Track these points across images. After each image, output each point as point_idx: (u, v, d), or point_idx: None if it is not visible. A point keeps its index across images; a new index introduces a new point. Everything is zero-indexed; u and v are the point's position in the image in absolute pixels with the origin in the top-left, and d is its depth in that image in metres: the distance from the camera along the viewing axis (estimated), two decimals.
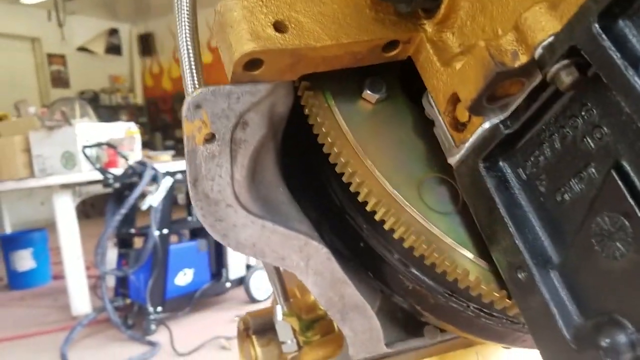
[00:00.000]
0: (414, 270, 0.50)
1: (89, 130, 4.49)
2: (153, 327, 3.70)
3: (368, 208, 0.46)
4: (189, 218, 4.30)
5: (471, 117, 0.42)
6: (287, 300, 0.68)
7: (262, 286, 4.37)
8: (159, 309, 3.72)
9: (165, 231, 3.79)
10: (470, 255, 0.45)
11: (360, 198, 0.46)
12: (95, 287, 4.10)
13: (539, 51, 0.35)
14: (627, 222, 0.33)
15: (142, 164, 3.97)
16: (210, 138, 0.45)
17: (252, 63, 0.43)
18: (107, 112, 10.19)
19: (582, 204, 0.37)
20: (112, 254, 3.94)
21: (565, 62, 0.33)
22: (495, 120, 0.41)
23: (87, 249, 4.20)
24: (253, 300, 4.29)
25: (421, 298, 0.53)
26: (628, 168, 0.33)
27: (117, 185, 3.90)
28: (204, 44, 11.74)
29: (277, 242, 0.49)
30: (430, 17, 0.46)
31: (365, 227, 0.51)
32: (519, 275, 0.41)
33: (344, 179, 0.47)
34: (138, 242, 4.05)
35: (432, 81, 0.46)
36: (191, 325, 3.86)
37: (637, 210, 0.32)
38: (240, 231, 0.47)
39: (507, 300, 0.44)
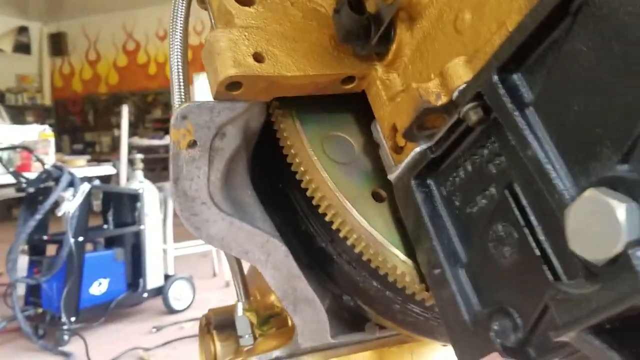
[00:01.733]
0: (355, 267, 0.59)
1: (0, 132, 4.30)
2: (66, 337, 3.56)
3: (320, 210, 0.55)
4: (105, 226, 4.19)
5: (407, 143, 0.53)
6: (247, 298, 0.75)
7: (181, 296, 4.32)
8: (73, 318, 3.59)
9: (80, 239, 3.68)
10: (399, 253, 0.55)
11: (314, 202, 0.55)
12: (5, 296, 3.88)
13: (455, 94, 0.45)
14: (513, 230, 0.43)
15: (58, 168, 3.83)
16: (193, 144, 0.53)
17: (233, 85, 0.52)
18: (13, 113, 9.64)
19: (484, 216, 0.46)
20: (22, 261, 3.76)
21: (473, 104, 0.43)
22: (424, 146, 0.50)
23: None
24: (172, 310, 4.22)
25: (362, 293, 0.62)
26: (517, 188, 0.43)
27: (31, 189, 3.74)
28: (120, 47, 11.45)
29: (243, 237, 0.57)
30: (381, 60, 0.56)
31: (318, 228, 0.61)
32: (435, 272, 0.50)
33: (302, 185, 0.56)
34: (50, 249, 3.89)
35: (379, 112, 0.56)
36: (107, 336, 3.75)
37: (520, 220, 0.42)
38: (212, 226, 0.55)
39: (426, 292, 0.54)
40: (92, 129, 11.90)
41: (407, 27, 0.53)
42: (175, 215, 4.96)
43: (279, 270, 0.59)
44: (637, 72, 0.32)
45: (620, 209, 0.30)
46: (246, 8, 0.56)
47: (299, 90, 0.55)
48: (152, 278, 4.19)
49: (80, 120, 11.92)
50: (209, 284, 4.89)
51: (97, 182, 3.89)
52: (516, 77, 0.41)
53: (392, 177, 0.55)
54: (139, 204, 4.15)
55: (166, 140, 8.79)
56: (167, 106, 11.36)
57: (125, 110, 4.77)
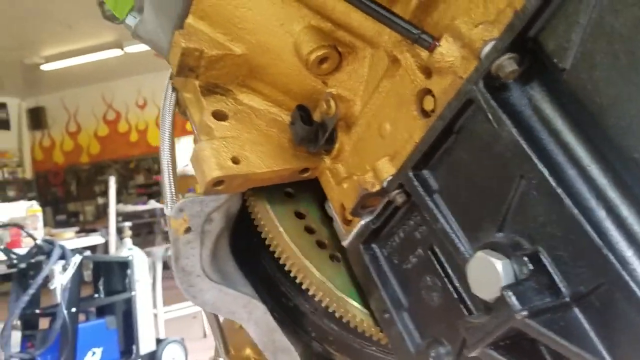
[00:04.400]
0: (323, 318, 0.75)
1: None
2: None
3: (292, 274, 0.71)
4: (96, 295, 4.24)
5: (353, 218, 0.69)
6: (227, 353, 0.89)
7: None
8: None
9: (74, 310, 3.73)
10: (356, 304, 0.71)
11: (286, 268, 0.71)
12: None
13: (384, 184, 0.61)
14: (438, 281, 0.59)
15: (49, 242, 3.91)
16: (188, 230, 0.69)
17: (218, 183, 0.68)
18: None
19: (416, 270, 0.62)
20: (15, 336, 3.78)
21: (398, 191, 0.60)
22: (367, 219, 0.67)
23: None
24: None
25: (328, 339, 0.77)
26: (436, 249, 0.59)
27: (22, 265, 3.81)
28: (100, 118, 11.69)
29: (229, 301, 0.72)
30: (328, 154, 0.73)
31: (289, 289, 0.76)
32: (385, 316, 0.65)
33: (275, 254, 0.72)
34: (43, 322, 3.93)
35: (330, 193, 0.73)
36: None
37: (442, 274, 0.58)
38: (205, 293, 0.71)
39: (380, 333, 0.70)
40: (75, 199, 11.96)
41: (345, 131, 0.70)
42: (164, 278, 5.00)
43: (259, 326, 0.74)
44: (497, 174, 0.49)
45: (498, 264, 0.47)
46: (222, 122, 0.73)
47: (267, 182, 0.72)
48: (145, 343, 4.21)
49: (62, 191, 12.00)
50: (200, 345, 4.92)
51: (87, 253, 3.97)
52: (425, 172, 0.58)
53: (344, 243, 0.71)
54: (129, 271, 4.22)
55: (150, 205, 8.91)
56: (150, 171, 11.53)
57: (112, 181, 4.92)
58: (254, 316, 0.73)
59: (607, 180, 0.43)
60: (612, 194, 0.43)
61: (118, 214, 5.96)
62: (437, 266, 0.58)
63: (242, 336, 0.88)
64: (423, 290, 0.61)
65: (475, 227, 0.53)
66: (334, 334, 0.75)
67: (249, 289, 0.75)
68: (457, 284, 0.57)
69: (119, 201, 8.55)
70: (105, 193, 4.86)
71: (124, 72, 10.81)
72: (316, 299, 0.70)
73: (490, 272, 0.47)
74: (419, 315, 0.62)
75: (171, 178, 0.72)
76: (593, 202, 0.43)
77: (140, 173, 11.67)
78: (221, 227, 0.72)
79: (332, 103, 0.68)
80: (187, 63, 0.69)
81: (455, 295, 0.56)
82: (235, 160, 0.69)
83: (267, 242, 0.73)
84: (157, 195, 10.48)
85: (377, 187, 0.62)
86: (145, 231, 9.11)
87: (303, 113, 0.70)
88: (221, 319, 0.88)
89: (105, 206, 5.63)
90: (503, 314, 0.44)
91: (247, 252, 0.81)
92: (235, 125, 0.73)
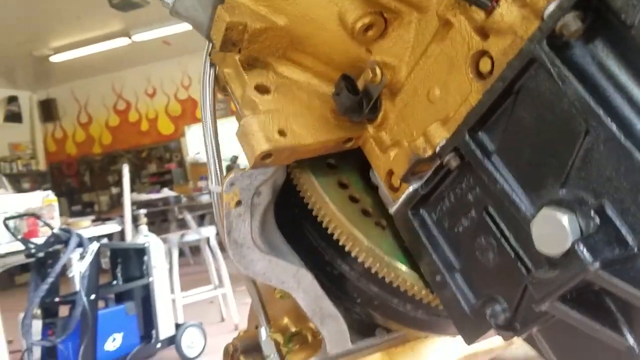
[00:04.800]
0: (371, 284, 0.76)
1: (4, 201, 4.43)
2: None
3: (340, 243, 0.71)
4: (114, 282, 4.29)
5: (401, 184, 0.70)
6: (269, 322, 0.91)
7: (193, 344, 4.40)
8: None
9: (93, 297, 3.77)
10: (405, 268, 0.72)
11: (335, 236, 0.72)
12: None
13: (437, 148, 0.61)
14: (493, 241, 0.59)
15: (66, 231, 3.95)
16: (239, 203, 0.69)
17: (266, 156, 0.69)
18: (9, 181, 9.81)
19: (469, 233, 0.62)
20: (36, 325, 3.84)
21: (452, 154, 0.60)
22: (416, 185, 0.67)
23: (7, 323, 4.07)
24: (185, 358, 4.30)
25: (375, 304, 0.78)
26: (492, 211, 0.59)
27: (40, 254, 3.85)
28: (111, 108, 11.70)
29: (279, 271, 0.73)
30: (372, 123, 0.73)
31: (335, 257, 0.77)
32: (437, 278, 0.66)
33: (323, 224, 0.72)
34: (63, 310, 3.99)
35: (375, 162, 0.73)
36: None
37: (498, 235, 0.58)
38: (257, 264, 0.72)
39: (430, 296, 0.70)
40: (89, 190, 12.05)
41: (389, 99, 0.70)
42: (181, 265, 5.05)
43: (307, 294, 0.75)
44: (561, 131, 0.49)
45: (564, 219, 0.47)
46: (265, 96, 0.73)
47: (313, 153, 0.73)
48: (164, 328, 4.27)
49: (76, 182, 12.10)
50: (218, 328, 4.98)
51: (104, 241, 4.01)
52: (481, 135, 0.58)
53: (392, 210, 0.72)
54: (146, 258, 4.27)
55: (164, 193, 8.96)
56: (162, 160, 11.59)
57: (125, 169, 4.95)
58: (302, 285, 0.74)
59: None
60: None
61: (132, 203, 6.01)
62: (493, 227, 0.59)
63: (280, 306, 0.90)
64: (477, 251, 0.61)
65: (537, 185, 0.53)
66: (380, 299, 0.76)
67: (296, 259, 0.76)
68: (514, 243, 0.57)
69: (132, 190, 8.59)
70: (118, 183, 4.90)
71: (133, 61, 10.83)
72: (366, 265, 0.71)
73: (556, 228, 0.47)
74: (473, 276, 0.63)
75: (216, 156, 0.73)
76: None
77: (152, 162, 11.73)
78: (269, 200, 0.73)
79: (378, 71, 0.68)
80: (231, 37, 0.69)
81: (513, 255, 0.57)
82: (282, 133, 0.69)
83: (313, 213, 0.74)
84: (170, 183, 10.55)
85: (429, 152, 0.62)
86: (160, 219, 9.18)
87: (348, 83, 0.70)
88: None
89: (119, 196, 5.68)
90: (575, 267, 0.45)
91: (290, 224, 0.81)
92: (278, 98, 0.73)
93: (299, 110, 0.73)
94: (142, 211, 4.64)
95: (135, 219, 4.72)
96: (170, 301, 4.50)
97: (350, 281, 0.77)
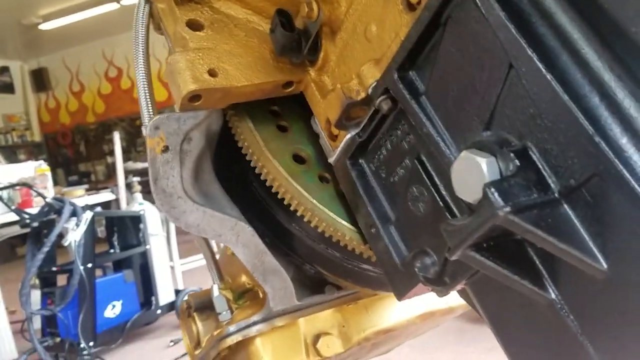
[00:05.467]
0: (313, 239, 0.71)
1: None
2: None
3: (279, 196, 0.67)
4: (111, 250, 4.30)
5: (340, 132, 0.65)
6: (221, 280, 0.87)
7: None
8: (91, 343, 3.70)
9: (89, 265, 3.79)
10: (345, 223, 0.67)
11: (273, 190, 0.67)
12: (21, 332, 3.98)
13: (370, 90, 0.56)
14: (424, 190, 0.55)
15: (59, 200, 3.93)
16: (166, 149, 0.65)
17: (194, 97, 0.63)
18: (4, 153, 9.78)
19: (403, 182, 0.58)
20: (35, 295, 3.86)
21: (384, 97, 0.55)
22: (353, 132, 0.62)
23: (7, 294, 4.10)
24: None
25: (320, 260, 0.74)
26: (423, 158, 0.55)
27: (35, 224, 3.84)
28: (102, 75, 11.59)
29: (215, 223, 0.69)
30: (313, 66, 0.68)
31: (277, 211, 0.73)
32: (372, 230, 0.62)
33: (261, 177, 0.68)
34: (61, 279, 4.01)
35: (316, 108, 0.68)
36: (127, 356, 3.87)
37: (428, 183, 0.54)
38: (189, 215, 0.67)
39: (370, 250, 0.66)
40: (85, 159, 11.98)
41: (330, 38, 0.64)
42: (178, 232, 5.05)
43: (247, 248, 0.71)
44: (485, 65, 0.44)
45: (482, 162, 0.42)
46: (198, 32, 0.68)
47: (248, 97, 0.67)
48: (164, 294, 4.31)
49: (72, 152, 12.03)
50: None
51: (98, 209, 3.99)
52: (411, 74, 0.53)
53: (331, 160, 0.67)
54: (142, 225, 4.27)
55: None
56: None
57: (117, 137, 4.89)
58: (241, 238, 0.70)
59: (602, 63, 0.39)
60: (607, 77, 0.38)
61: (129, 172, 5.98)
62: (424, 175, 0.54)
63: (238, 264, 0.86)
64: (410, 202, 0.57)
65: (462, 127, 0.48)
66: (324, 255, 0.72)
67: (235, 212, 0.72)
68: (444, 192, 0.53)
69: (128, 159, 8.59)
70: (114, 152, 4.84)
71: (122, 26, 10.55)
72: (305, 219, 0.67)
73: (474, 172, 0.42)
74: (406, 228, 0.59)
75: (147, 95, 0.68)
76: (586, 88, 0.38)
77: None
78: (202, 147, 0.68)
79: (315, 6, 0.62)
80: None
81: (441, 203, 0.53)
82: (213, 73, 0.64)
83: (251, 164, 0.69)
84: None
85: (362, 95, 0.57)
86: None
87: (283, 18, 0.64)
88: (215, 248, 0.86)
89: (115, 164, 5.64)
90: (485, 212, 0.40)
91: (235, 177, 0.77)
92: (211, 35, 0.68)
93: (235, 50, 0.68)
94: (136, 179, 4.60)
95: (129, 187, 4.69)
96: (169, 268, 4.51)
97: (296, 236, 0.73)
